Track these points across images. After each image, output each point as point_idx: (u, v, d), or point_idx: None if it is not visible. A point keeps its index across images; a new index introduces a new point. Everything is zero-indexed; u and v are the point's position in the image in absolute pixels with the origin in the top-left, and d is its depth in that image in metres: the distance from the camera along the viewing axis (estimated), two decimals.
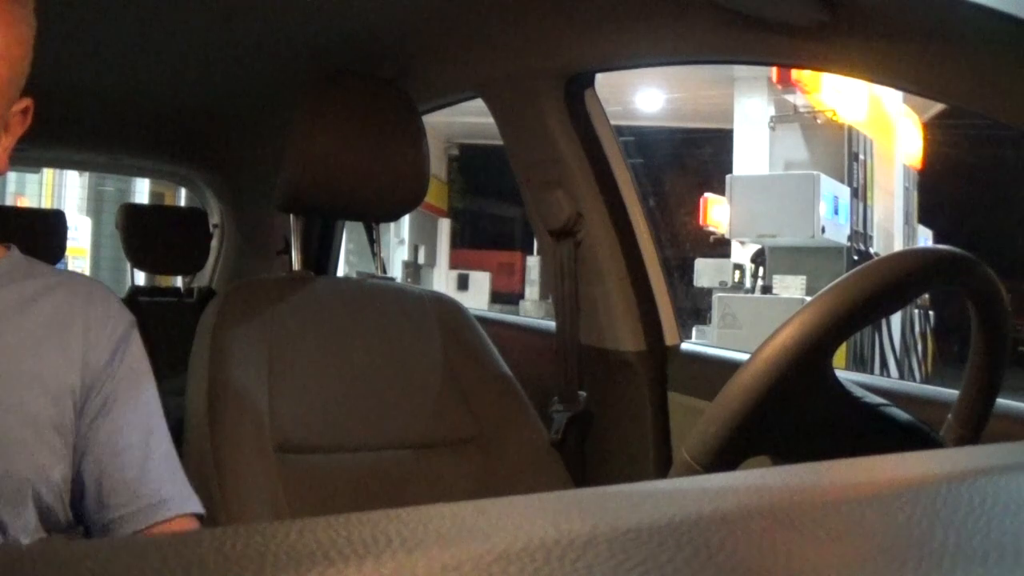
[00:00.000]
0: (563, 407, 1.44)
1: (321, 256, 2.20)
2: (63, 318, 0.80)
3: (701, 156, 11.24)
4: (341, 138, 1.25)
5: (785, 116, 7.73)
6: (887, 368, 6.35)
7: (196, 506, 0.84)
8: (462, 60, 1.51)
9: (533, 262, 10.96)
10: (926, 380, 6.92)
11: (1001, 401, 0.80)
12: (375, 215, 1.41)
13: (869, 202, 7.48)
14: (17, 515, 0.73)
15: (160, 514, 0.80)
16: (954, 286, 0.70)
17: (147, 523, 0.80)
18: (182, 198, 4.59)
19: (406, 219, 9.81)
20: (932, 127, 8.92)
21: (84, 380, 0.80)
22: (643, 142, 10.20)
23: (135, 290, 2.52)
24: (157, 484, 0.82)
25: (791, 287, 5.94)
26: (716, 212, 7.67)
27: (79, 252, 6.45)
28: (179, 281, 2.81)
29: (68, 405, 0.78)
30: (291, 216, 1.44)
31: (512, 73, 1.45)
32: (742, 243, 6.88)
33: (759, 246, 6.51)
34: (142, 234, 2.47)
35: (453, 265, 12.39)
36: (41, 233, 2.23)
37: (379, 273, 1.47)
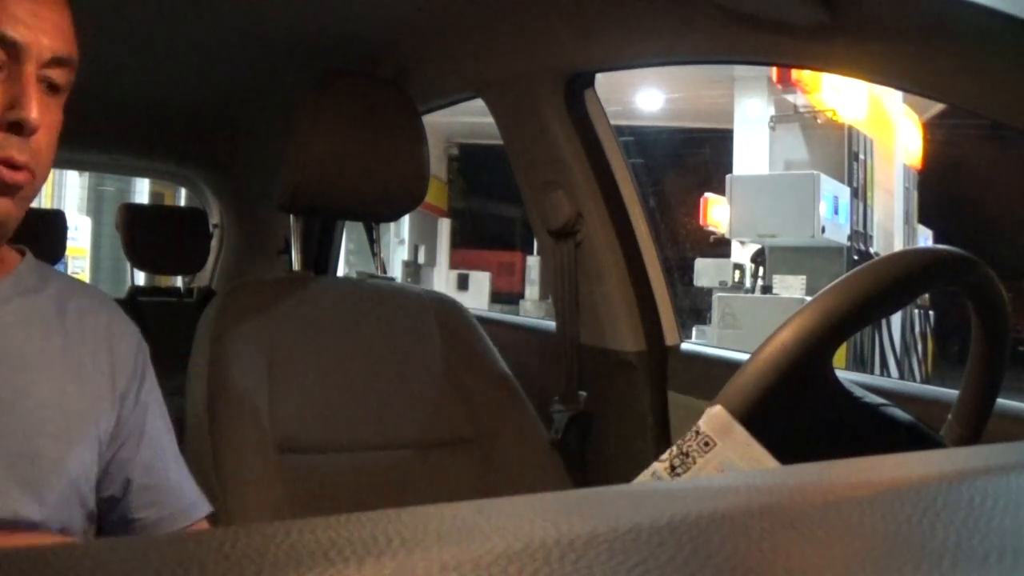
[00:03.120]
0: (563, 407, 1.44)
1: (321, 256, 2.19)
2: (88, 335, 0.81)
3: (701, 156, 11.23)
4: (341, 138, 1.25)
5: (785, 116, 7.72)
6: (887, 368, 6.34)
7: (208, 506, 0.89)
8: (462, 60, 1.52)
9: (533, 262, 10.95)
10: (926, 380, 6.92)
11: (1001, 401, 0.80)
12: (375, 215, 1.41)
13: (869, 202, 7.48)
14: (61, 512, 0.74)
15: (189, 518, 0.85)
16: (954, 286, 0.70)
17: (178, 527, 0.84)
18: (182, 198, 4.59)
19: (406, 219, 9.80)
20: (932, 127, 8.91)
21: (115, 403, 0.81)
22: (643, 142, 10.19)
23: (135, 290, 2.52)
24: (180, 489, 0.87)
25: (791, 287, 5.93)
26: (716, 212, 7.67)
27: (79, 252, 6.45)
28: (179, 281, 2.81)
29: (101, 431, 0.79)
30: (291, 216, 1.44)
31: (512, 73, 1.45)
32: (742, 243, 6.87)
33: (759, 246, 6.50)
34: (142, 234, 2.47)
35: (453, 265, 12.38)
36: (41, 233, 2.23)
37: (379, 273, 1.47)
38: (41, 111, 0.70)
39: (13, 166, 0.69)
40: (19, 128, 0.69)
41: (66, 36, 0.74)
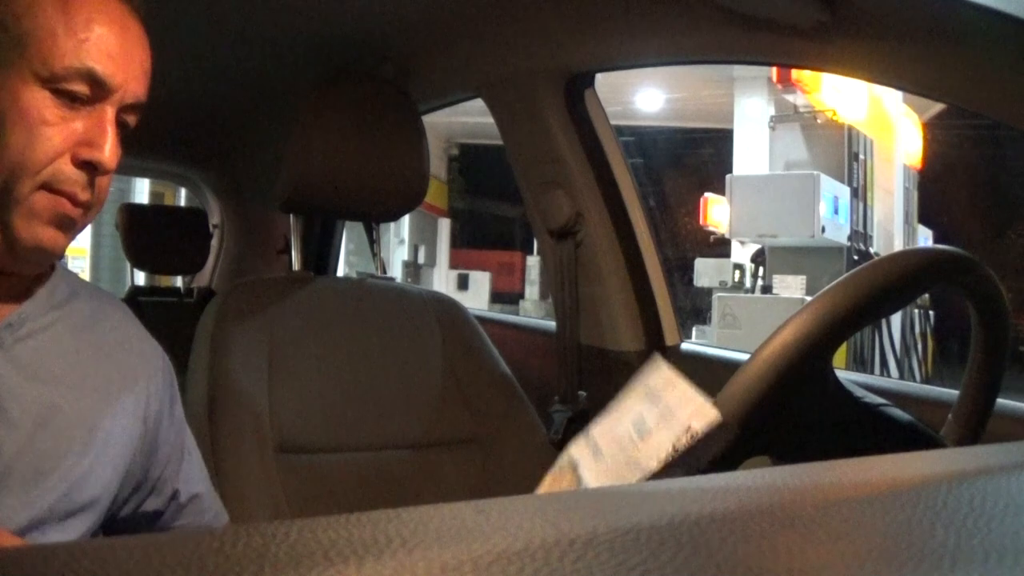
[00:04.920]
0: (563, 407, 1.44)
1: (321, 256, 2.19)
2: (116, 351, 0.81)
3: (701, 156, 11.23)
4: (341, 138, 1.25)
5: (785, 116, 7.71)
6: (887, 368, 6.34)
7: (226, 514, 0.94)
8: (462, 60, 1.51)
9: (533, 262, 10.94)
10: (926, 380, 6.91)
11: (1001, 401, 0.80)
12: (375, 215, 1.41)
13: (869, 202, 7.47)
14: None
15: (222, 522, 0.90)
16: (954, 286, 0.70)
17: None
18: (182, 198, 4.59)
19: (406, 219, 9.80)
20: (932, 127, 8.91)
21: (142, 422, 0.81)
22: (643, 142, 10.19)
23: (135, 290, 2.52)
24: (211, 499, 0.91)
25: (791, 287, 5.93)
26: (716, 212, 7.66)
27: (79, 252, 6.44)
28: (179, 281, 2.81)
29: (127, 451, 0.80)
30: (291, 216, 1.44)
31: (512, 73, 1.45)
32: (742, 243, 6.87)
33: (759, 246, 6.50)
34: (142, 234, 2.46)
35: (453, 265, 12.37)
36: None
37: (379, 273, 1.47)
38: (113, 147, 0.69)
39: (75, 202, 0.68)
40: (91, 168, 0.68)
41: (148, 79, 0.73)
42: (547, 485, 0.61)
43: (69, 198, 0.67)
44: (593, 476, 0.58)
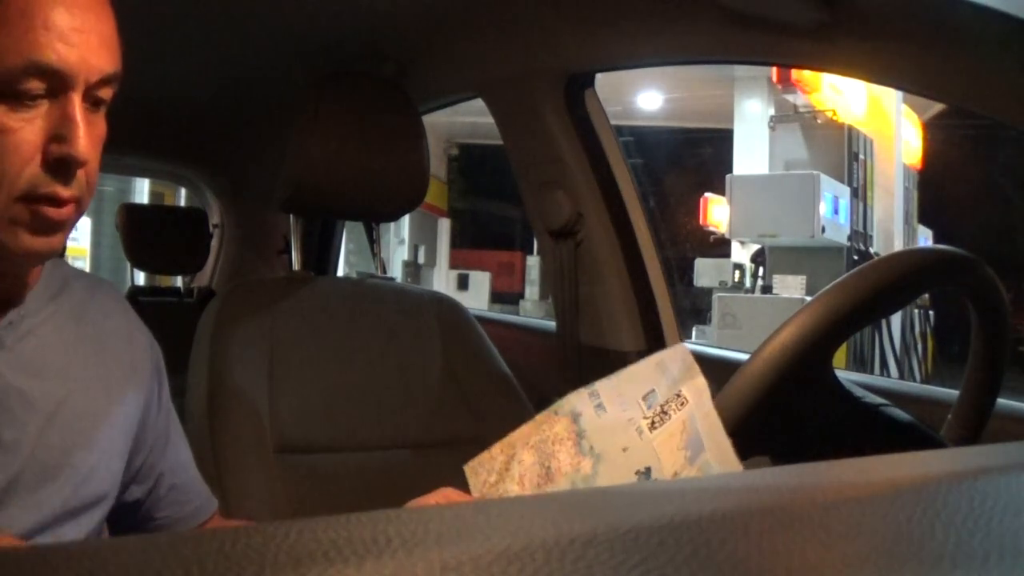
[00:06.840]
0: None
1: (321, 256, 2.19)
2: (111, 338, 0.80)
3: (701, 156, 11.22)
4: (341, 138, 1.25)
5: (785, 116, 7.70)
6: (887, 368, 6.34)
7: (215, 501, 0.93)
8: (462, 60, 1.52)
9: (533, 262, 10.94)
10: (926, 380, 6.91)
11: (1001, 401, 0.80)
12: (375, 215, 1.41)
13: (869, 202, 7.47)
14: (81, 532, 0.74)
15: (206, 511, 0.89)
16: (954, 286, 0.70)
17: (196, 523, 0.88)
18: (182, 198, 4.59)
19: (406, 219, 9.79)
20: (932, 127, 8.91)
21: (138, 409, 0.81)
22: (643, 142, 10.18)
23: (135, 290, 2.52)
24: (196, 487, 0.90)
25: (791, 287, 5.93)
26: (716, 212, 7.66)
27: (79, 252, 6.44)
28: (179, 281, 2.81)
29: (128, 439, 0.79)
30: (291, 216, 1.44)
31: (512, 73, 1.45)
32: (742, 243, 6.87)
33: (759, 246, 6.50)
34: (142, 234, 2.46)
35: (453, 265, 12.36)
36: None
37: (379, 273, 1.47)
38: (86, 136, 0.63)
39: (59, 202, 0.63)
40: (65, 165, 0.62)
41: (113, 49, 0.67)
42: (538, 422, 0.65)
43: (51, 202, 0.63)
44: (593, 429, 0.62)
